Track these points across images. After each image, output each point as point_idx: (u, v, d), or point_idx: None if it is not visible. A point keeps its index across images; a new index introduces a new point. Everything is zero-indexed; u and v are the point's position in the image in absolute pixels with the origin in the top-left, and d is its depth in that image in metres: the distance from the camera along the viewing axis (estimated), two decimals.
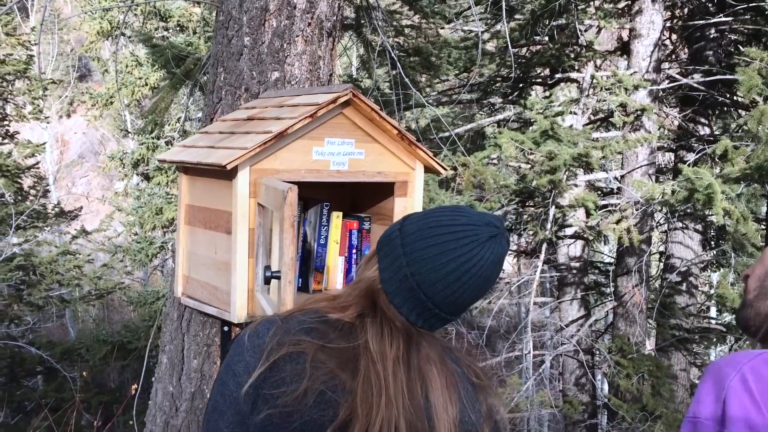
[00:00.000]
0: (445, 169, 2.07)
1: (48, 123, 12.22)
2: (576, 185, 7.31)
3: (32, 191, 12.74)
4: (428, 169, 2.06)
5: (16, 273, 11.71)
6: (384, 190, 2.07)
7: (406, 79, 3.63)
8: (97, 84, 21.52)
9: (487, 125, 8.95)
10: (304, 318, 1.20)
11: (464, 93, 8.60)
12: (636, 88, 6.91)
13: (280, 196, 1.52)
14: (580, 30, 6.94)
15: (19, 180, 11.93)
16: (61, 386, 11.15)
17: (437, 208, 1.26)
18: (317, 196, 2.13)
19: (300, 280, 2.10)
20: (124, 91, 10.50)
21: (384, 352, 1.16)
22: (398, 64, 3.49)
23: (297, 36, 2.24)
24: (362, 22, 3.63)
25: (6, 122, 12.49)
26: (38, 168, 13.11)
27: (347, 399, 1.12)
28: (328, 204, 2.07)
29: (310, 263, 2.10)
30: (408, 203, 2.03)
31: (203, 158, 1.79)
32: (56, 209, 13.02)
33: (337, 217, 2.09)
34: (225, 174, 1.75)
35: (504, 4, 3.87)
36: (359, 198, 2.21)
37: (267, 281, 1.54)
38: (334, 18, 2.32)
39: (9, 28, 12.06)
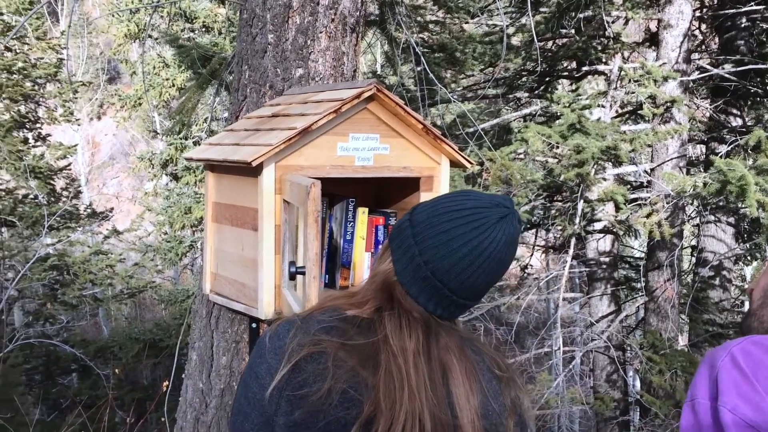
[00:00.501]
0: (471, 163, 2.05)
1: (79, 125, 12.41)
2: (605, 179, 7.22)
3: (64, 192, 12.97)
4: (454, 164, 2.05)
5: (50, 273, 11.94)
6: (409, 185, 2.06)
7: (431, 75, 3.62)
8: (126, 86, 21.83)
9: (514, 120, 8.88)
10: (323, 317, 1.20)
11: (490, 88, 8.55)
12: (665, 79, 6.79)
13: (303, 192, 1.52)
14: (608, 21, 6.84)
15: (52, 181, 12.15)
16: (95, 384, 11.35)
17: (445, 194, 1.25)
18: (343, 192, 2.13)
19: (327, 276, 2.10)
20: (151, 92, 10.62)
21: (404, 345, 1.16)
22: (423, 59, 3.48)
23: (320, 32, 2.24)
24: (386, 18, 3.63)
25: (38, 125, 12.72)
26: (70, 169, 13.33)
27: (370, 395, 1.12)
28: (353, 200, 2.07)
29: (336, 259, 2.10)
30: None
31: (229, 155, 1.79)
32: (88, 210, 13.24)
33: (363, 213, 2.08)
34: (250, 171, 1.76)
35: None
36: (385, 193, 2.20)
37: (292, 277, 1.54)
38: (357, 13, 2.32)
39: (40, 32, 12.27)
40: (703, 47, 8.90)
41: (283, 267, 1.76)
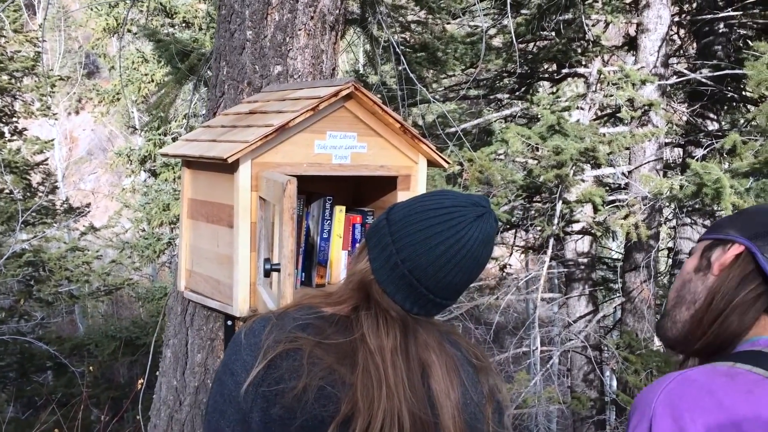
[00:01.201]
0: (448, 162, 2.06)
1: (56, 120, 12.26)
2: (583, 180, 7.28)
3: (41, 188, 12.80)
4: (432, 163, 2.05)
5: (25, 269, 11.78)
6: (387, 184, 2.06)
7: (412, 75, 3.62)
8: (104, 81, 21.60)
9: (495, 121, 8.93)
10: (298, 314, 1.20)
11: (471, 89, 8.58)
12: (643, 83, 6.86)
13: (279, 189, 1.51)
14: (587, 25, 6.90)
15: (28, 176, 11.99)
16: (70, 382, 11.22)
17: (423, 194, 1.26)
18: (320, 190, 2.13)
19: (303, 274, 2.09)
20: (130, 87, 10.51)
21: (381, 343, 1.16)
22: (403, 59, 3.48)
23: (299, 30, 2.23)
24: (367, 16, 3.63)
25: (15, 119, 12.55)
26: (47, 164, 13.17)
27: (348, 393, 1.12)
28: (330, 198, 2.06)
29: (313, 257, 2.09)
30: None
31: (205, 152, 1.78)
32: (65, 206, 13.08)
33: (340, 211, 2.08)
34: (227, 167, 1.75)
35: None
36: (362, 192, 2.20)
37: (267, 274, 1.54)
38: (337, 11, 2.31)
39: (17, 25, 12.10)
40: (682, 52, 9.00)
41: (258, 264, 1.75)
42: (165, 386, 2.32)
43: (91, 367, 11.18)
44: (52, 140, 13.54)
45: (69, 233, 15.82)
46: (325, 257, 2.08)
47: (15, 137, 12.56)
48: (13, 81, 12.14)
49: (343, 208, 2.09)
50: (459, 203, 1.19)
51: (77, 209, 13.19)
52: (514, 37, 4.64)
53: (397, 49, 3.33)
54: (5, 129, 12.39)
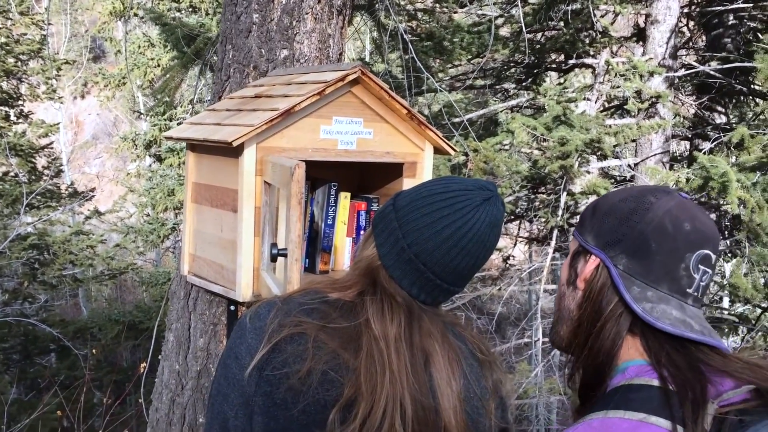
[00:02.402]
0: (455, 150, 2.04)
1: (62, 103, 12.24)
2: (588, 172, 7.25)
3: (46, 171, 12.81)
4: (438, 151, 2.04)
5: (30, 252, 11.81)
6: (393, 171, 2.04)
7: (419, 63, 3.59)
8: (110, 65, 21.56)
9: (502, 111, 8.89)
10: (304, 299, 1.19)
11: (478, 78, 8.53)
12: (651, 74, 6.82)
13: (287, 173, 1.50)
14: (596, 15, 6.84)
15: (33, 160, 12.00)
16: (73, 364, 11.28)
17: (430, 180, 1.25)
18: (325, 176, 2.11)
19: (307, 260, 2.09)
20: (136, 72, 10.49)
21: (386, 329, 1.15)
22: (410, 47, 3.45)
23: (306, 13, 2.21)
24: (375, 3, 3.60)
25: (20, 102, 12.53)
26: (52, 148, 13.17)
27: (351, 378, 1.11)
28: (336, 184, 2.05)
29: (317, 244, 2.08)
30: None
31: (209, 135, 1.77)
32: (70, 189, 13.09)
33: (345, 198, 2.07)
34: (231, 151, 1.74)
35: None
36: (367, 179, 2.19)
37: (273, 259, 1.52)
38: None
39: (23, 7, 12.06)
40: (691, 44, 8.94)
41: (262, 249, 1.74)
42: (167, 370, 2.32)
43: (94, 350, 11.24)
44: (58, 124, 13.54)
45: (74, 217, 15.85)
46: (330, 244, 2.07)
47: (20, 120, 12.56)
48: (18, 64, 12.13)
49: (348, 194, 2.08)
50: (466, 187, 1.18)
51: (82, 193, 13.19)
52: (523, 25, 4.60)
53: (405, 37, 3.30)
54: (11, 112, 12.39)
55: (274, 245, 1.53)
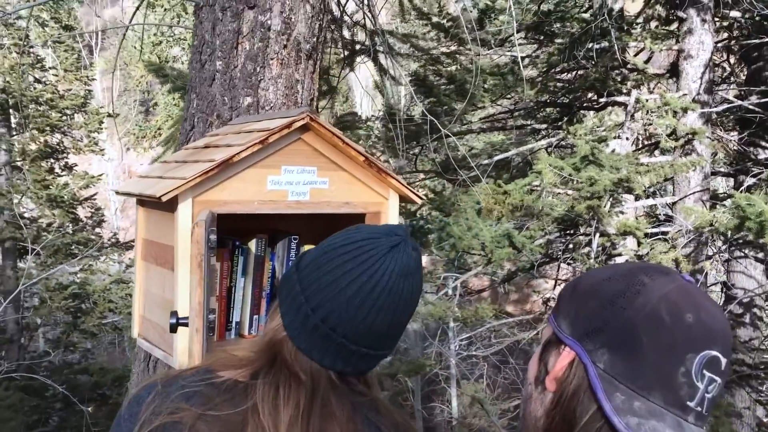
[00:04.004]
0: (421, 198, 1.89)
1: (103, 155, 12.57)
2: (622, 212, 6.97)
3: (89, 221, 13.09)
4: (403, 199, 1.89)
5: (70, 301, 11.99)
6: (360, 222, 1.90)
7: (423, 110, 3.48)
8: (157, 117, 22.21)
9: (536, 150, 8.70)
10: (189, 380, 1.05)
11: (508, 119, 8.39)
12: (685, 111, 6.57)
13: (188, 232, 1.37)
14: (619, 50, 6.66)
15: (75, 210, 12.28)
16: (111, 413, 11.29)
17: (336, 233, 1.10)
18: (289, 228, 1.99)
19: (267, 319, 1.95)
20: (169, 123, 10.69)
21: (276, 417, 1.00)
22: (413, 92, 3.35)
23: (272, 59, 2.12)
24: (376, 47, 3.54)
25: (65, 155, 12.92)
26: (95, 199, 13.48)
27: None
28: (296, 237, 1.92)
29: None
30: None
31: (144, 189, 1.67)
32: (112, 239, 13.34)
33: None
34: (168, 206, 1.63)
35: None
36: (335, 230, 2.05)
37: (173, 329, 1.39)
38: (314, 39, 2.19)
39: (67, 63, 12.53)
40: (731, 78, 8.65)
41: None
42: None
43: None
44: (101, 175, 13.87)
45: (119, 265, 16.13)
46: None
47: (65, 172, 12.94)
48: (63, 118, 12.54)
49: (313, 247, 1.94)
50: (370, 235, 1.05)
51: (124, 243, 13.41)
52: (549, 66, 4.45)
53: (402, 80, 3.20)
54: (56, 164, 12.77)
55: (174, 313, 1.40)
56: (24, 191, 11.57)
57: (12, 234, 11.03)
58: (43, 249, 11.41)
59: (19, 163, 11.68)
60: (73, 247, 12.13)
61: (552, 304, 9.53)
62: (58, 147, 12.58)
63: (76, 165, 13.15)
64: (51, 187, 11.87)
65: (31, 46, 12.06)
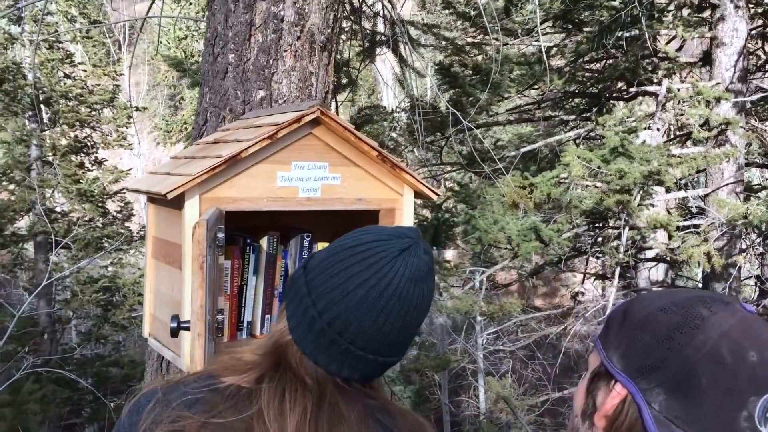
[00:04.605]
0: (436, 194, 1.83)
1: (131, 150, 12.68)
2: (653, 205, 6.81)
3: (118, 215, 13.23)
4: (419, 195, 1.83)
5: (101, 294, 12.13)
6: (373, 219, 1.84)
7: (446, 104, 3.40)
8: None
9: (565, 142, 8.56)
10: (191, 386, 1.00)
11: (536, 110, 8.25)
12: (718, 100, 6.38)
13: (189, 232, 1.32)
14: (650, 39, 6.49)
15: (104, 204, 12.40)
16: None
17: (347, 233, 1.05)
18: (302, 225, 1.93)
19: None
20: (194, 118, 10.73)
21: (283, 422, 0.95)
22: (434, 84, 3.27)
23: (285, 51, 2.06)
24: (397, 39, 3.46)
25: (94, 149, 13.05)
26: (124, 193, 13.61)
27: None
28: (309, 235, 1.87)
29: None
30: None
31: (152, 186, 1.62)
32: (141, 232, 13.46)
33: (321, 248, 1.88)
34: (175, 203, 1.58)
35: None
36: (350, 226, 1.99)
37: (174, 333, 1.34)
38: (329, 31, 2.13)
39: (96, 59, 12.63)
40: (767, 66, 8.40)
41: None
42: None
43: None
44: (130, 170, 14.00)
45: (144, 259, 16.26)
46: None
47: (95, 167, 13.07)
48: (92, 113, 12.65)
49: (326, 244, 1.88)
50: (380, 237, 1.00)
51: None
52: (578, 55, 4.34)
53: (423, 72, 3.12)
54: (86, 159, 12.91)
55: (175, 317, 1.35)
56: (55, 186, 11.71)
57: (43, 228, 11.17)
58: (73, 243, 11.55)
59: (49, 158, 11.82)
60: (103, 240, 12.26)
61: (580, 298, 9.40)
62: (87, 142, 12.70)
63: (106, 160, 13.27)
64: (81, 181, 12.00)
65: (60, 42, 12.17)
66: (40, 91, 11.49)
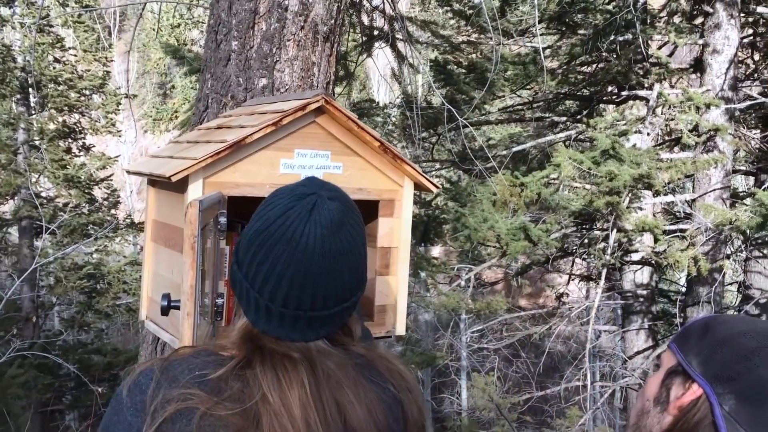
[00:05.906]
0: (436, 186, 1.84)
1: (119, 137, 12.59)
2: (641, 208, 6.87)
3: (104, 202, 13.13)
4: (419, 187, 1.84)
5: (85, 281, 12.05)
6: (373, 209, 1.86)
7: (442, 99, 3.42)
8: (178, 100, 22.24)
9: (556, 143, 8.61)
10: (193, 361, 1.01)
11: (527, 110, 8.29)
12: (708, 106, 6.45)
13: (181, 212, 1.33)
14: (644, 44, 6.54)
15: (91, 191, 12.30)
16: None
17: (253, 215, 1.09)
18: None
19: None
20: (186, 106, 10.67)
21: (286, 400, 0.98)
22: (431, 80, 3.29)
23: (288, 40, 2.07)
24: (395, 33, 3.47)
25: (82, 135, 12.94)
26: (111, 180, 13.51)
27: None
28: None
29: None
30: (395, 224, 1.81)
31: (155, 169, 1.63)
32: (127, 220, 13.38)
33: None
34: (178, 186, 1.59)
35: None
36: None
37: (164, 312, 1.36)
38: (332, 22, 2.14)
39: (87, 45, 12.51)
40: (756, 75, 8.49)
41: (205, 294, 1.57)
42: None
43: None
44: (117, 156, 13.90)
45: (133, 247, 16.16)
46: None
47: (82, 153, 12.96)
48: (81, 99, 12.55)
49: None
50: (285, 207, 1.03)
51: (139, 224, 13.43)
52: (570, 58, 4.37)
53: (417, 67, 3.14)
54: (73, 145, 12.80)
55: (166, 296, 1.37)
56: (41, 170, 11.61)
57: (29, 213, 11.08)
58: (59, 228, 11.45)
59: (37, 143, 11.72)
60: (89, 227, 12.17)
61: (565, 299, 9.46)
62: (75, 127, 12.60)
63: (94, 146, 13.17)
64: (68, 167, 11.90)
65: (51, 26, 12.05)
66: (30, 75, 11.38)
